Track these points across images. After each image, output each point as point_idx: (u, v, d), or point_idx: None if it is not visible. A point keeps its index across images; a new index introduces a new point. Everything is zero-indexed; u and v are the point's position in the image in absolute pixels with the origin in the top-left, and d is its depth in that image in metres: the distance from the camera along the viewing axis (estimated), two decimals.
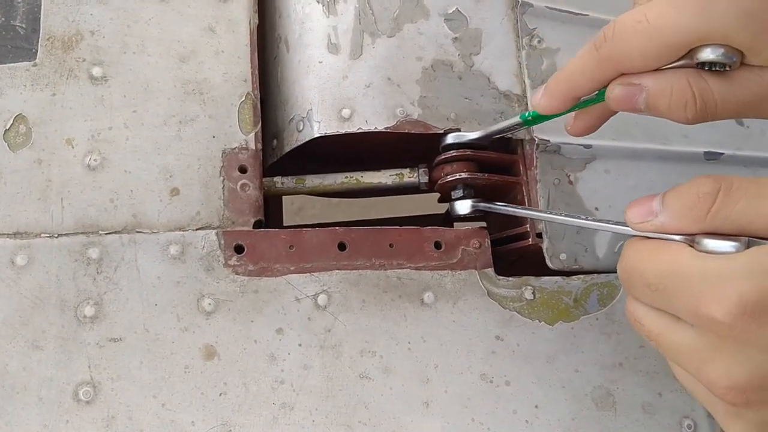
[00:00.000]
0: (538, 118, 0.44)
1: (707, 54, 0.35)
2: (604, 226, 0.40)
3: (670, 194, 0.34)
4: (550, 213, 0.47)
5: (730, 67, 0.35)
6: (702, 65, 0.35)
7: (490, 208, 0.49)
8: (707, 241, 0.32)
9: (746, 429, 0.33)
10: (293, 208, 1.62)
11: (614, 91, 0.37)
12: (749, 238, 0.32)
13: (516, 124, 0.47)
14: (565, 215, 0.43)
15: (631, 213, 0.35)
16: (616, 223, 0.38)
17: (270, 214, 0.59)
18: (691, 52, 0.35)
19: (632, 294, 0.36)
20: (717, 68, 0.35)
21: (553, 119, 0.44)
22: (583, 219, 0.42)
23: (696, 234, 0.33)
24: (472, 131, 0.50)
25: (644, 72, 0.36)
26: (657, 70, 0.36)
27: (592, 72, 0.38)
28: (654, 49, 0.36)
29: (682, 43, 0.35)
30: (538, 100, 0.41)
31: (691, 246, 0.33)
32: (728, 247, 0.32)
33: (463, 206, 0.50)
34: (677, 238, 0.33)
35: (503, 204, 0.49)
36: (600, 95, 0.40)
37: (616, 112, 0.43)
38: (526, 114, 0.45)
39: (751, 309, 0.30)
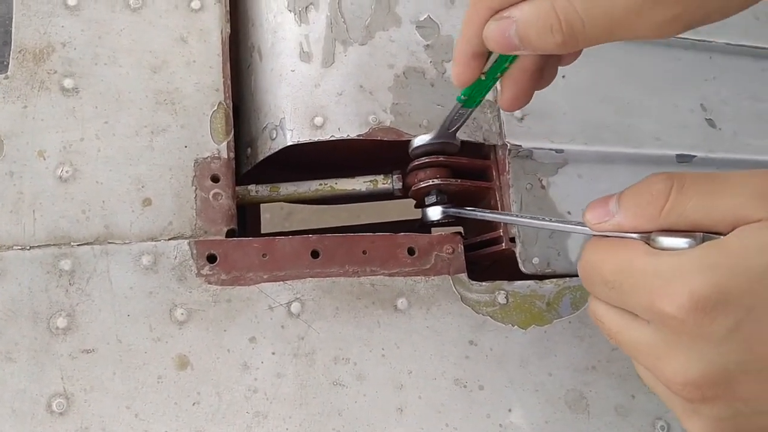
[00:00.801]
0: (472, 95, 0.43)
1: None
2: (566, 227, 0.40)
3: (625, 194, 0.34)
4: (517, 216, 0.47)
5: None
6: None
7: (459, 213, 0.49)
8: (661, 238, 0.33)
9: (704, 425, 0.33)
10: (282, 213, 1.62)
11: (489, 29, 0.37)
12: (704, 234, 0.32)
13: (458, 110, 0.46)
14: (530, 217, 0.44)
15: (590, 214, 0.36)
16: (578, 224, 0.38)
17: (247, 223, 0.59)
18: None
19: (592, 292, 0.36)
20: None
21: (487, 94, 0.43)
22: (546, 221, 0.42)
23: (651, 231, 0.33)
24: None
25: (513, 4, 0.36)
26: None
27: (474, 20, 0.37)
28: None
29: None
30: (452, 71, 0.41)
31: (647, 243, 0.33)
32: (682, 243, 0.32)
33: (434, 212, 0.50)
34: (634, 236, 0.34)
35: (471, 209, 0.49)
36: (503, 57, 0.40)
37: (542, 81, 0.42)
38: (460, 95, 0.44)
39: (702, 304, 0.30)
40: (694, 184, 0.32)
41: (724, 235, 0.31)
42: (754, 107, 0.62)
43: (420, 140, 0.50)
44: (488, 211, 0.50)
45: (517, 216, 0.47)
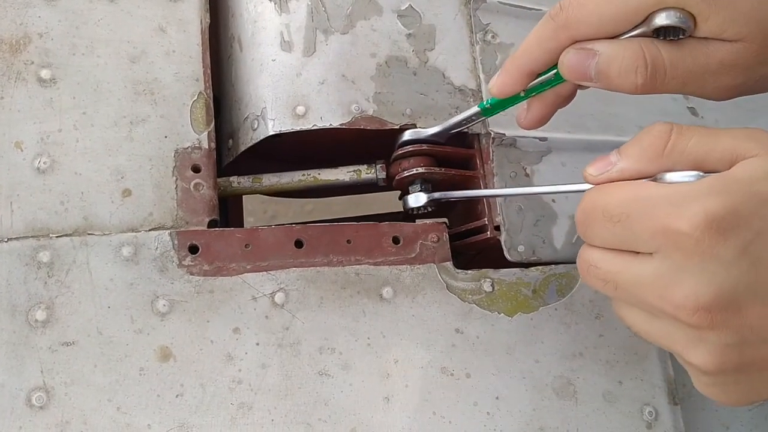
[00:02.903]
0: (497, 106, 0.45)
1: (663, 19, 0.36)
2: (562, 189, 0.41)
3: (625, 144, 0.36)
4: (507, 189, 0.48)
5: (684, 33, 0.36)
6: (657, 33, 0.36)
7: (444, 195, 0.49)
8: (669, 174, 0.34)
9: (709, 353, 0.33)
10: (266, 217, 1.61)
11: (567, 56, 0.38)
12: (706, 173, 0.33)
13: (474, 115, 0.47)
14: (519, 188, 0.44)
15: (591, 168, 0.37)
16: (574, 186, 0.39)
17: (230, 218, 0.58)
18: (648, 19, 0.36)
19: (589, 234, 0.36)
20: (671, 37, 0.36)
21: (510, 107, 0.45)
22: (537, 187, 0.43)
23: (655, 175, 0.34)
24: (428, 127, 0.50)
25: (599, 39, 0.37)
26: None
27: (548, 42, 0.39)
28: (611, 14, 0.37)
29: (639, 7, 0.36)
30: (495, 80, 0.41)
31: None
32: (689, 177, 0.33)
33: (417, 199, 0.49)
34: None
35: (457, 192, 0.49)
36: (556, 77, 0.40)
37: (567, 102, 0.44)
38: (485, 102, 0.45)
39: (717, 223, 0.31)
40: (693, 128, 0.34)
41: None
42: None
43: (414, 134, 0.50)
44: (475, 190, 0.50)
45: (507, 189, 0.47)
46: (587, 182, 0.37)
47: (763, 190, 0.32)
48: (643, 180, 0.34)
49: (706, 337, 0.33)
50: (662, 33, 0.37)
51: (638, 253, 0.34)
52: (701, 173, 0.33)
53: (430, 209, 0.50)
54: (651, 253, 0.34)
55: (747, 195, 0.32)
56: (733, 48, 0.37)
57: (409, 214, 0.51)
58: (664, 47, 0.37)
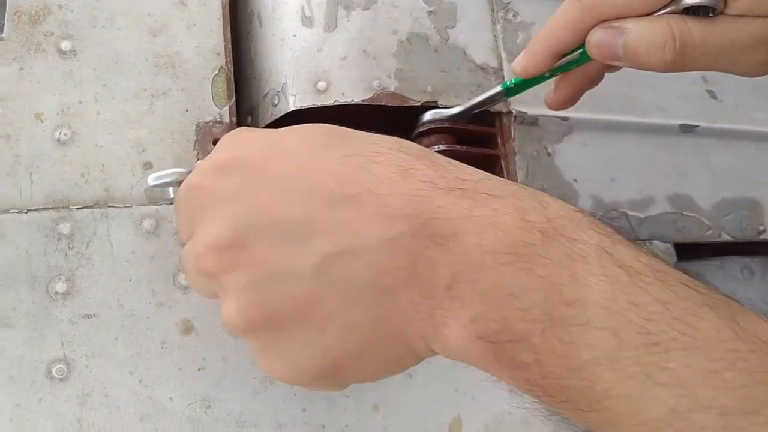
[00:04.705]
0: (521, 86, 0.44)
1: None
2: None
3: None
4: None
5: (713, 12, 0.35)
6: (687, 11, 0.35)
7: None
8: None
9: (231, 302, 0.31)
10: None
11: (595, 35, 0.38)
12: None
13: (497, 94, 0.46)
14: None
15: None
16: None
17: None
18: None
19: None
20: (700, 14, 0.35)
21: (533, 87, 0.44)
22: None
23: None
24: (449, 104, 0.50)
25: (626, 17, 0.36)
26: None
27: (575, 22, 0.38)
28: None
29: None
30: (519, 60, 0.41)
31: None
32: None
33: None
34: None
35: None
36: (582, 56, 0.40)
37: (595, 84, 0.44)
38: (508, 82, 0.45)
39: (219, 165, 0.33)
40: None
41: None
42: (753, 81, 0.62)
43: (436, 113, 0.49)
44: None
45: None
46: None
47: (268, 139, 0.34)
48: None
49: (224, 282, 0.31)
50: (692, 11, 0.36)
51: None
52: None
53: None
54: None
55: (252, 144, 0.34)
56: (764, 23, 0.36)
57: None
58: (693, 23, 0.36)
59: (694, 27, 0.36)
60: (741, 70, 0.38)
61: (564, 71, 0.42)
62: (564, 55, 0.41)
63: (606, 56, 0.38)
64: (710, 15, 0.36)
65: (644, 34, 0.36)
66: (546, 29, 0.40)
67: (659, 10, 0.36)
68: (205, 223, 0.32)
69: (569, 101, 0.44)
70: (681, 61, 0.37)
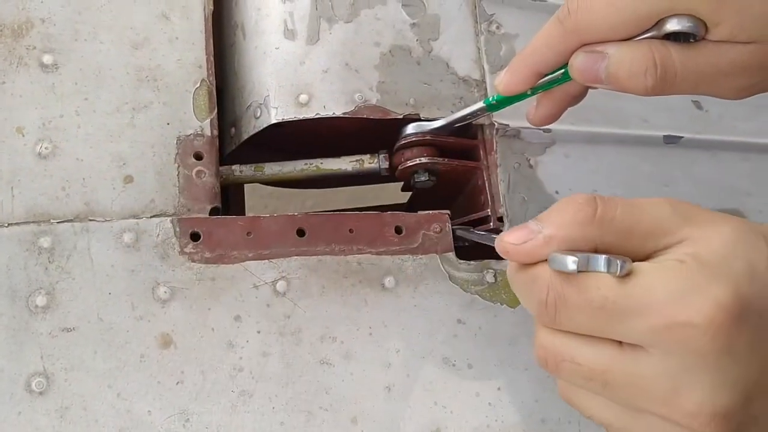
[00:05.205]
0: (503, 102, 0.44)
1: (673, 24, 0.35)
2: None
3: (545, 214, 0.32)
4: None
5: (694, 38, 0.35)
6: (668, 36, 0.36)
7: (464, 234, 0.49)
8: (555, 256, 0.30)
9: None
10: (266, 212, 1.60)
11: (577, 59, 0.38)
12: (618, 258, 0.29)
13: (479, 110, 0.47)
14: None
15: (510, 237, 0.32)
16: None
17: (231, 205, 0.58)
18: (658, 24, 0.36)
19: (562, 318, 0.31)
20: (681, 40, 0.35)
21: (515, 104, 0.44)
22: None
23: (584, 250, 0.30)
24: (431, 117, 0.50)
25: (608, 41, 0.37)
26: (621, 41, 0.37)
27: (557, 45, 0.38)
28: (621, 20, 0.36)
29: (649, 13, 0.35)
30: (502, 78, 0.41)
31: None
32: (568, 262, 0.29)
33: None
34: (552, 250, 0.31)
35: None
36: (563, 75, 0.40)
37: (577, 101, 0.44)
38: (490, 99, 0.45)
39: (731, 312, 0.27)
40: (615, 198, 0.31)
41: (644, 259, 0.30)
42: None
43: (417, 127, 0.49)
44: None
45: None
46: (506, 253, 0.32)
47: (743, 268, 0.29)
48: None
49: None
50: (673, 37, 0.36)
51: (621, 342, 0.30)
52: (575, 256, 0.29)
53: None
54: (642, 347, 0.29)
55: (742, 276, 0.28)
56: (745, 49, 0.36)
57: (410, 207, 0.51)
58: (674, 49, 0.36)
59: (675, 53, 0.36)
60: (722, 94, 0.38)
61: (546, 89, 0.42)
62: (546, 75, 0.41)
63: (588, 80, 0.38)
64: (691, 41, 0.36)
65: (626, 59, 0.36)
66: (528, 49, 0.40)
67: (641, 34, 0.37)
68: (706, 378, 0.28)
69: (551, 118, 0.44)
70: (662, 86, 0.37)
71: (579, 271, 0.29)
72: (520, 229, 0.32)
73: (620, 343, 0.30)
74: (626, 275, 0.29)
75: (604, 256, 0.29)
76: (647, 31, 0.36)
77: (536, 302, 0.31)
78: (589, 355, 0.31)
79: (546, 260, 0.31)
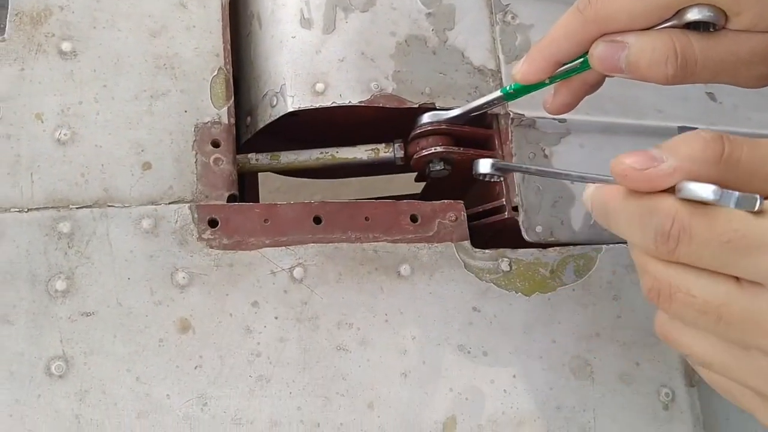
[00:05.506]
0: (520, 91, 0.44)
1: (694, 14, 0.35)
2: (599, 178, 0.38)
3: (670, 144, 0.31)
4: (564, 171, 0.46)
5: (714, 27, 0.35)
6: (688, 26, 0.36)
7: (507, 166, 0.48)
8: (690, 185, 0.29)
9: None
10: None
11: (597, 49, 0.38)
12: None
13: (495, 99, 0.47)
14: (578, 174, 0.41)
15: (630, 161, 0.31)
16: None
17: (246, 192, 0.58)
18: (678, 14, 0.36)
19: (682, 250, 0.30)
20: (702, 29, 0.36)
21: (532, 93, 0.44)
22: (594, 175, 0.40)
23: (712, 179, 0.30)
24: (447, 106, 0.50)
25: (628, 31, 0.37)
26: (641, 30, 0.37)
27: (576, 34, 0.38)
28: (641, 9, 0.36)
29: (669, 3, 0.36)
30: (520, 67, 0.41)
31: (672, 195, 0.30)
32: (708, 192, 0.29)
33: (484, 165, 0.48)
34: (673, 181, 0.30)
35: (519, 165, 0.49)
36: (582, 65, 0.40)
37: (594, 90, 0.44)
38: (507, 88, 0.45)
39: None
40: (741, 138, 0.30)
41: None
42: None
43: (433, 116, 0.49)
44: (533, 166, 0.49)
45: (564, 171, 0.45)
46: (624, 177, 0.31)
47: None
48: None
49: None
50: (693, 26, 0.36)
51: (738, 278, 0.30)
52: (718, 187, 0.29)
53: (498, 178, 0.48)
54: (763, 284, 0.29)
55: None
56: (765, 38, 0.36)
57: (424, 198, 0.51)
58: (695, 38, 0.36)
59: (695, 42, 0.36)
60: (741, 83, 0.39)
61: (563, 78, 0.42)
62: (564, 64, 0.41)
63: (608, 69, 0.38)
64: (711, 30, 0.36)
65: (646, 48, 0.37)
66: (547, 38, 0.40)
67: (661, 24, 0.37)
68: None
69: (568, 107, 0.44)
70: (682, 74, 0.37)
71: (713, 203, 0.29)
72: (641, 154, 0.31)
73: (737, 279, 0.30)
74: (758, 212, 0.29)
75: (736, 192, 0.29)
76: (667, 20, 0.36)
77: (653, 233, 0.30)
78: (707, 288, 0.30)
79: (666, 191, 0.30)
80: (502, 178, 0.49)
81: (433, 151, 0.50)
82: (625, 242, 0.48)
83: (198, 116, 0.47)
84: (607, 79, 0.45)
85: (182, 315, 0.43)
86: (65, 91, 0.46)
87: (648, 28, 0.37)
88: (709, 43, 0.36)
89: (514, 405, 0.45)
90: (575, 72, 0.41)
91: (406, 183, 0.63)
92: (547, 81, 0.42)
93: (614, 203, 0.32)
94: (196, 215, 0.45)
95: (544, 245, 0.49)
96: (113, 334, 0.42)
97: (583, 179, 0.38)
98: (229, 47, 0.49)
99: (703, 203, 0.29)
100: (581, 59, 0.40)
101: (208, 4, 0.50)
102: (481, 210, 0.52)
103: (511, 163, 0.49)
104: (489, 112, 0.51)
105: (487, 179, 0.46)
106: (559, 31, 0.39)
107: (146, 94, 0.47)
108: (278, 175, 0.55)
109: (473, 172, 0.47)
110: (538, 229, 0.49)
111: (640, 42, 0.37)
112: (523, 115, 0.52)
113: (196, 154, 0.46)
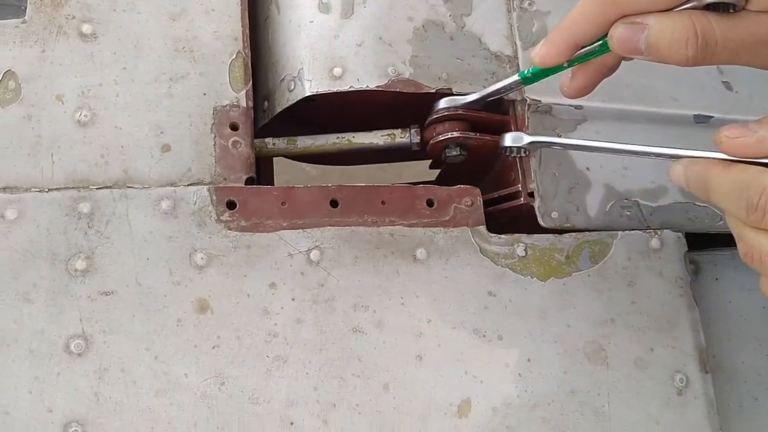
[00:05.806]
0: (538, 75, 0.44)
1: None
2: (689, 153, 0.41)
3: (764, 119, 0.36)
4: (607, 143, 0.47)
5: (735, 8, 0.35)
6: (708, 7, 0.36)
7: (545, 141, 0.48)
8: None
9: None
10: None
11: (617, 30, 0.38)
12: None
13: (513, 83, 0.47)
14: (629, 146, 0.45)
15: (727, 131, 0.36)
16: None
17: (261, 177, 0.59)
18: None
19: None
20: (721, 10, 0.36)
21: (550, 77, 0.44)
22: (656, 148, 0.43)
23: None
24: (463, 91, 0.51)
25: (648, 12, 0.37)
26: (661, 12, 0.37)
27: (596, 17, 0.38)
28: None
29: None
30: (538, 50, 0.41)
31: None
32: None
33: (515, 138, 0.48)
34: None
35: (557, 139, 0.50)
36: (601, 47, 0.40)
37: (612, 72, 0.44)
38: (525, 72, 0.45)
39: None
40: None
41: None
42: None
43: (450, 101, 0.50)
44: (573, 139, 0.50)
45: (615, 144, 0.46)
46: (719, 143, 0.37)
47: None
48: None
49: None
50: (713, 7, 0.36)
51: None
52: None
53: (524, 153, 0.49)
54: None
55: None
56: None
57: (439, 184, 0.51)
58: (715, 19, 0.36)
59: (715, 23, 0.36)
60: (762, 65, 0.38)
61: (582, 62, 0.42)
62: (583, 47, 0.41)
63: (628, 51, 0.39)
64: (731, 11, 0.36)
65: (666, 29, 0.37)
66: (566, 21, 0.40)
67: (681, 5, 0.37)
68: None
69: (586, 90, 0.44)
70: (702, 56, 0.37)
71: None
72: (740, 126, 0.36)
73: None
74: None
75: None
76: (687, 1, 0.36)
77: (745, 204, 0.35)
78: None
79: (761, 167, 0.35)
80: (527, 152, 0.49)
81: (449, 136, 0.50)
82: (640, 229, 0.49)
83: (217, 99, 0.48)
84: (623, 66, 0.45)
85: (200, 295, 0.43)
86: (85, 72, 0.46)
87: (668, 10, 0.37)
88: (729, 24, 0.36)
89: (528, 389, 0.45)
90: (594, 55, 0.41)
91: (420, 171, 0.64)
92: (565, 64, 0.42)
93: (714, 177, 0.37)
94: (214, 197, 0.45)
95: (560, 231, 0.50)
96: (132, 314, 0.42)
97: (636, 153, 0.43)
98: (247, 31, 0.50)
99: None
100: (600, 42, 0.40)
101: None
102: (496, 196, 0.52)
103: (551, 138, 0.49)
104: (506, 98, 0.51)
105: (514, 155, 0.48)
106: (578, 13, 0.39)
107: (165, 77, 0.47)
108: (287, 170, 0.56)
109: (500, 145, 0.47)
110: (554, 215, 0.50)
111: (660, 23, 0.37)
112: (540, 101, 0.52)
113: (215, 136, 0.47)
